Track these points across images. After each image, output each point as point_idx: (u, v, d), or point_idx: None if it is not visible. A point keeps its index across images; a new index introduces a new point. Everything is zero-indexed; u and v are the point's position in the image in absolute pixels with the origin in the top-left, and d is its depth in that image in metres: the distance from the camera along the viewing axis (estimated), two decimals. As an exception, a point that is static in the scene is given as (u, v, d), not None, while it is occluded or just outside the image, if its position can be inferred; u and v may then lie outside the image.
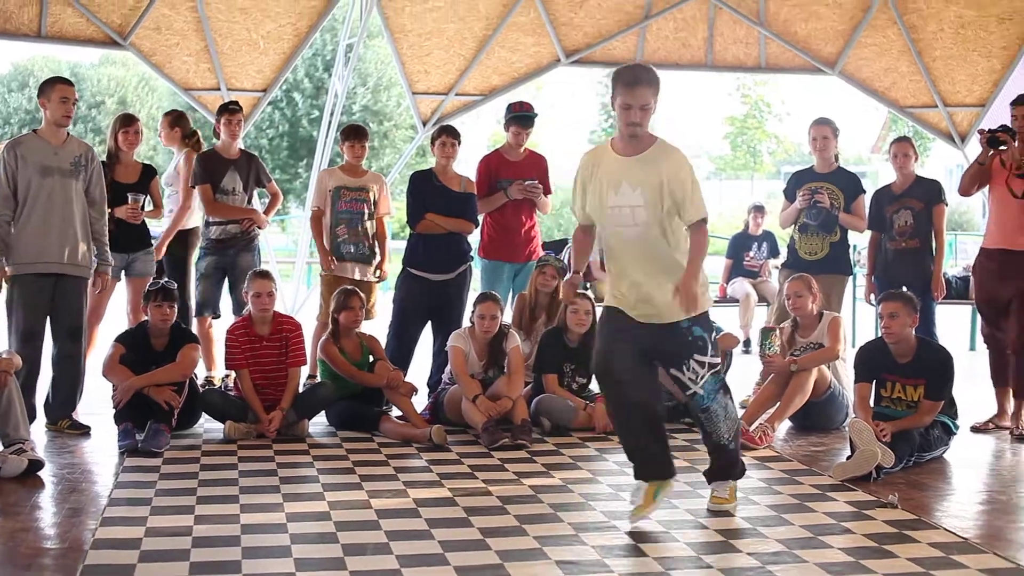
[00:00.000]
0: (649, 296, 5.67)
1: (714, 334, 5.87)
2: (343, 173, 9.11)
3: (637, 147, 5.63)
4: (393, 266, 9.41)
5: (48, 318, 7.73)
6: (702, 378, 5.74)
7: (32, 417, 7.39)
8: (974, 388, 9.06)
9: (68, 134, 7.74)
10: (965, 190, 8.45)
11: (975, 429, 8.21)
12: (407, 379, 8.16)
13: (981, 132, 8.26)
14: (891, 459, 6.66)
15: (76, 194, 7.66)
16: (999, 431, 8.19)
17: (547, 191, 9.20)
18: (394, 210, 11.41)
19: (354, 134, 9.16)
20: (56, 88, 7.61)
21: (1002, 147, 8.11)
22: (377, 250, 9.11)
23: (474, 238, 9.14)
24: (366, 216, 9.02)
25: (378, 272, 9.11)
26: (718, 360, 5.84)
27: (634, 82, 5.53)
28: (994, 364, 8.37)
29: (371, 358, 8.16)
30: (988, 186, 8.31)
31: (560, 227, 31.59)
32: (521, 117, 9.19)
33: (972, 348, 13.11)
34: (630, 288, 5.71)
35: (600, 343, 5.89)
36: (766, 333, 8.25)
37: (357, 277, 8.97)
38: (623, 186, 5.61)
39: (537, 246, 9.34)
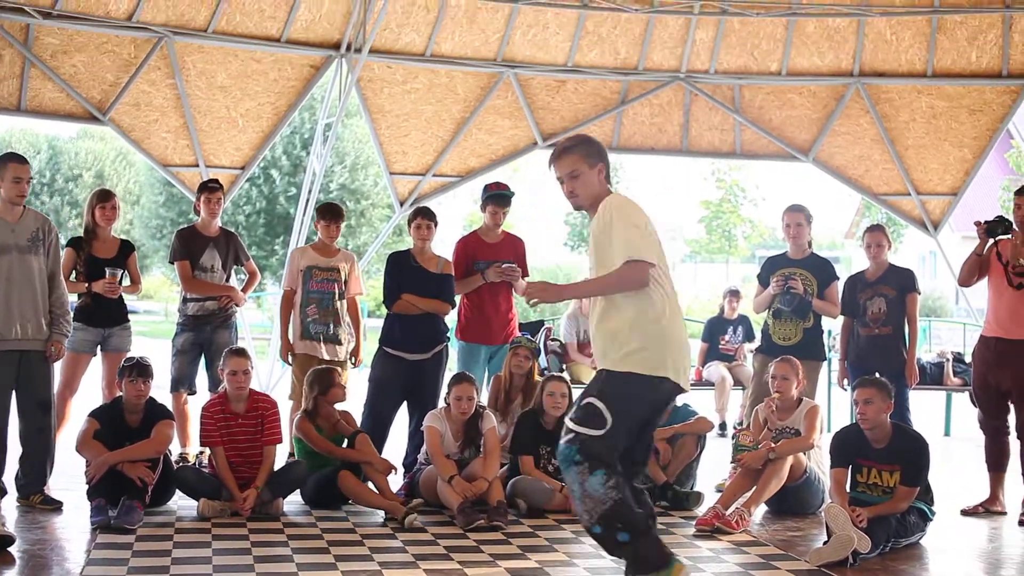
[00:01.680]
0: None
1: (592, 400, 5.49)
2: (315, 252, 9.14)
3: (593, 213, 5.68)
4: (369, 344, 9.41)
5: (15, 394, 7.68)
6: (563, 438, 5.51)
7: (2, 493, 7.33)
8: (949, 474, 9.08)
9: (25, 208, 7.72)
10: (964, 281, 8.52)
11: (965, 513, 8.26)
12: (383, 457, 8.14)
13: (978, 224, 8.31)
14: (867, 545, 6.66)
15: (35, 269, 7.63)
16: (991, 516, 8.23)
17: (524, 273, 9.22)
18: (366, 290, 11.41)
19: (330, 213, 9.20)
20: (9, 168, 7.59)
21: (1003, 236, 8.18)
22: (351, 333, 9.12)
23: (451, 318, 9.17)
24: (337, 296, 9.04)
25: (354, 359, 9.12)
26: (585, 432, 5.43)
27: (551, 158, 5.70)
28: (990, 450, 8.41)
29: (344, 441, 8.15)
30: (988, 276, 8.36)
31: (536, 309, 31.58)
32: (498, 196, 9.24)
33: (947, 434, 13.15)
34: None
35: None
36: (735, 441, 8.36)
37: (326, 357, 8.97)
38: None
39: (514, 328, 9.36)
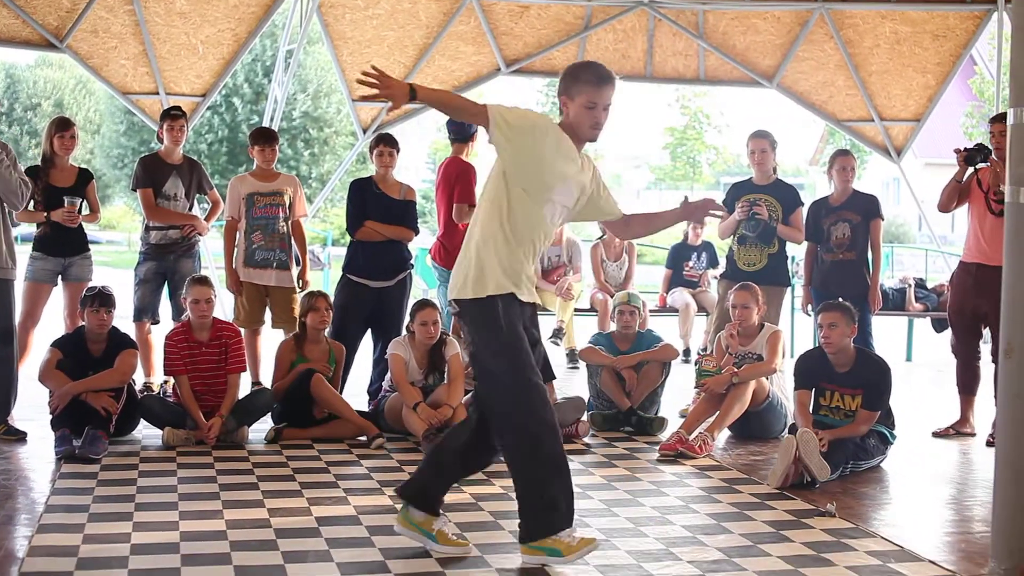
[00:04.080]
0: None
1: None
2: (255, 179, 9.06)
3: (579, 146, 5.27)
4: (333, 272, 9.38)
5: None
6: None
7: (-34, 423, 7.31)
8: (911, 398, 9.17)
9: None
10: (944, 206, 8.54)
11: (936, 435, 8.44)
12: (347, 387, 8.16)
13: (958, 151, 8.33)
14: (827, 473, 6.72)
15: None
16: (961, 437, 8.40)
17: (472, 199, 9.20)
18: (331, 218, 11.35)
19: (263, 138, 9.12)
20: None
21: (981, 164, 8.19)
22: (296, 255, 9.07)
23: (416, 244, 9.12)
24: (281, 220, 8.97)
25: (301, 282, 9.07)
26: None
27: (603, 79, 5.11)
28: (961, 374, 8.53)
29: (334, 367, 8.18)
30: (967, 202, 8.40)
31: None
32: None
33: (908, 359, 13.27)
34: (525, 264, 5.19)
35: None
36: (697, 367, 8.39)
37: (273, 283, 8.94)
38: (570, 182, 5.24)
39: None
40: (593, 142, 5.27)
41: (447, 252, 8.83)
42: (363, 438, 7.70)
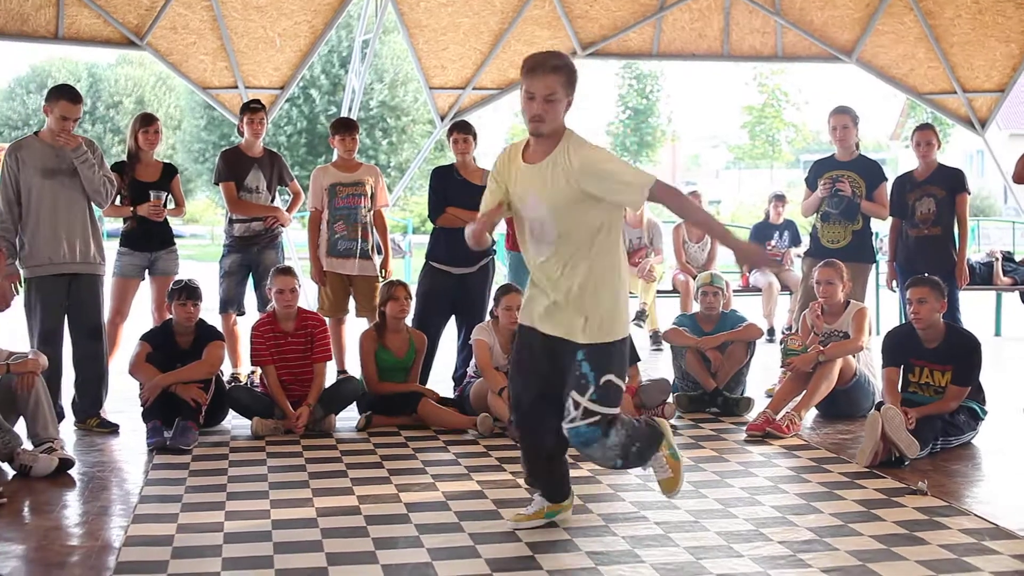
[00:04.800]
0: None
1: (610, 378, 5.05)
2: (336, 169, 9.11)
3: (543, 149, 5.01)
4: (416, 260, 9.42)
5: (66, 319, 7.76)
6: (581, 419, 5.03)
7: (60, 417, 7.43)
8: (1001, 374, 9.04)
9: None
10: (1019, 177, 8.38)
11: None
12: (432, 374, 8.21)
13: None
14: (916, 449, 6.65)
15: (81, 193, 7.69)
16: None
17: None
18: (410, 207, 11.41)
19: (343, 127, 9.17)
20: (60, 105, 7.57)
21: None
22: (379, 245, 9.11)
23: (499, 230, 9.13)
24: (363, 210, 9.02)
25: (383, 271, 9.11)
26: (609, 412, 5.06)
27: (535, 67, 4.88)
28: None
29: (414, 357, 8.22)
30: None
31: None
32: None
33: (997, 334, 13.08)
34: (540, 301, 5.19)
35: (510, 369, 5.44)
36: (783, 346, 8.32)
37: (356, 273, 8.99)
38: (529, 199, 5.07)
39: None
40: (536, 136, 5.00)
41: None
42: (470, 431, 7.68)
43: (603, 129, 50.19)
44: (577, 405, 4.99)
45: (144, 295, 8.99)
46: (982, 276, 12.33)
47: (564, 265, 5.06)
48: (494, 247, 8.89)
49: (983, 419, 7.33)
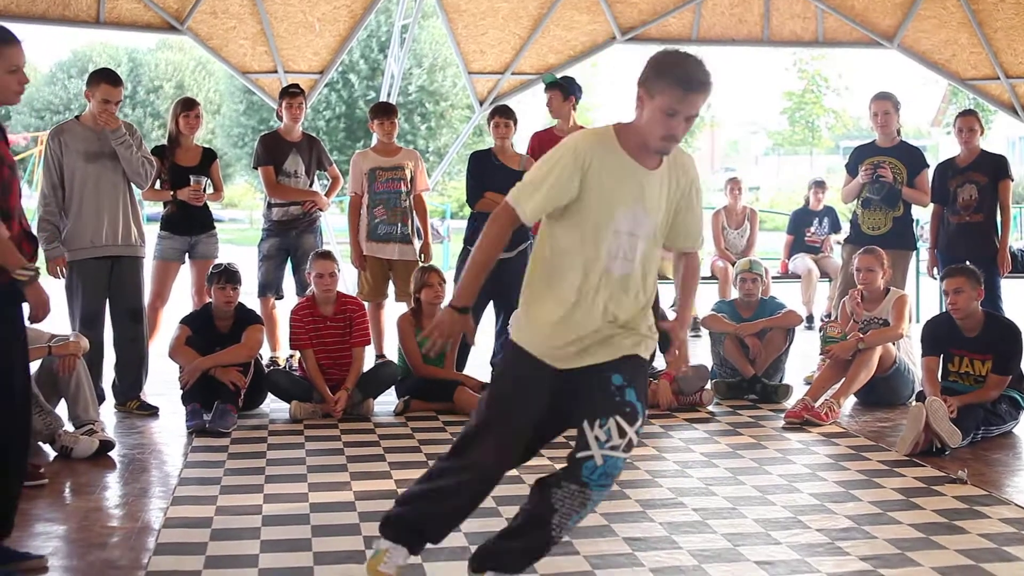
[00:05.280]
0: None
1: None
2: (376, 154, 9.13)
3: (657, 160, 4.10)
4: (454, 245, 9.42)
5: (108, 301, 7.82)
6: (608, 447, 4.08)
7: (100, 399, 7.48)
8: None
9: None
10: None
11: None
12: (468, 356, 8.21)
13: None
14: (959, 439, 6.61)
15: (122, 176, 7.74)
16: None
17: None
18: (448, 191, 11.41)
19: (382, 111, 9.18)
20: (101, 88, 7.63)
21: None
22: (419, 229, 9.12)
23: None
24: (403, 194, 9.03)
25: (423, 255, 9.11)
26: (636, 435, 4.13)
27: (691, 86, 3.92)
28: None
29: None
30: None
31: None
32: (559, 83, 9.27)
33: (1037, 321, 12.96)
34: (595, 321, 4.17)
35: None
36: (822, 333, 8.28)
37: (396, 257, 9.00)
38: (637, 209, 4.08)
39: None
40: (664, 155, 4.09)
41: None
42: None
43: (642, 115, 50.05)
44: (623, 433, 4.08)
45: (184, 279, 9.04)
46: (1024, 264, 12.23)
47: (639, 289, 4.20)
48: (532, 232, 8.87)
49: (1024, 408, 7.28)
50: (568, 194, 4.08)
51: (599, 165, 4.04)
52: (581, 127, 9.33)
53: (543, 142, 9.09)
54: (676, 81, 3.91)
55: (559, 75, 9.95)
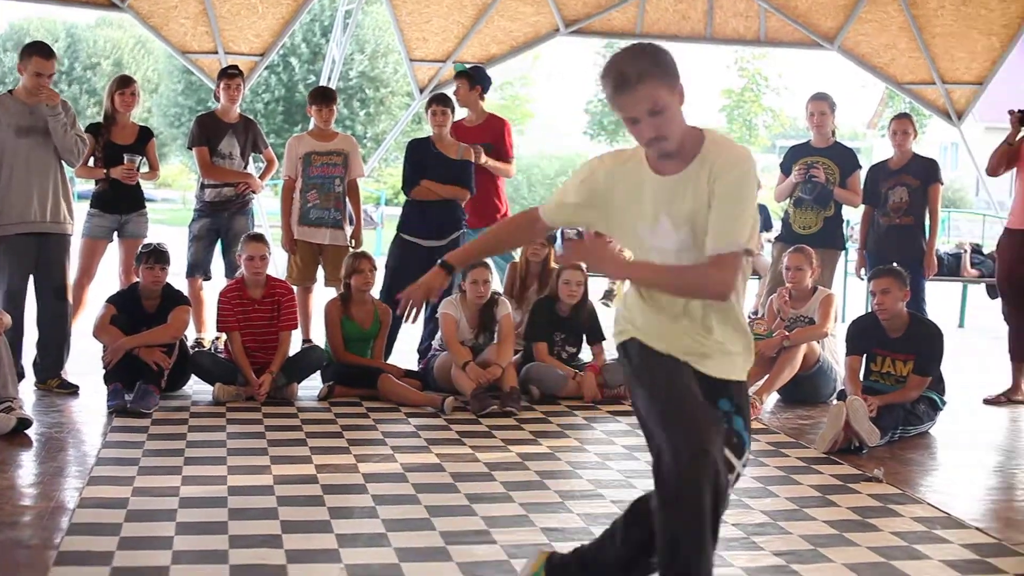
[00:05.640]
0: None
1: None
2: (312, 138, 9.08)
3: (678, 160, 3.65)
4: (387, 232, 9.41)
5: (32, 278, 7.73)
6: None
7: (20, 376, 7.39)
8: (963, 365, 9.10)
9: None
10: (992, 171, 8.43)
11: (987, 402, 8.37)
12: (396, 349, 8.22)
13: (1011, 113, 8.23)
14: (877, 438, 6.68)
15: (53, 153, 7.64)
16: (1012, 404, 8.34)
17: (507, 156, 9.38)
18: (385, 178, 11.39)
19: (320, 97, 9.13)
20: (33, 61, 7.53)
21: None
22: (351, 215, 9.09)
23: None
24: (338, 180, 8.99)
25: (354, 241, 9.07)
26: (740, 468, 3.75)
27: (623, 83, 3.49)
28: (1013, 341, 8.45)
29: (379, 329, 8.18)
30: (1016, 167, 8.30)
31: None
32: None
33: (961, 325, 13.14)
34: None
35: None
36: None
37: (327, 242, 8.97)
38: (661, 221, 3.67)
39: (506, 211, 9.59)
40: (667, 156, 3.63)
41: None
42: (432, 409, 7.63)
43: (582, 108, 50.14)
44: (731, 469, 3.69)
45: (112, 257, 8.95)
46: (950, 267, 12.39)
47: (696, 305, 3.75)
48: (465, 220, 8.87)
49: (942, 409, 7.36)
50: (576, 208, 3.85)
51: (613, 183, 3.74)
52: (496, 116, 9.42)
53: (455, 134, 9.06)
54: (612, 89, 3.53)
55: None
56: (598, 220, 3.84)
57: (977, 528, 5.26)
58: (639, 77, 3.49)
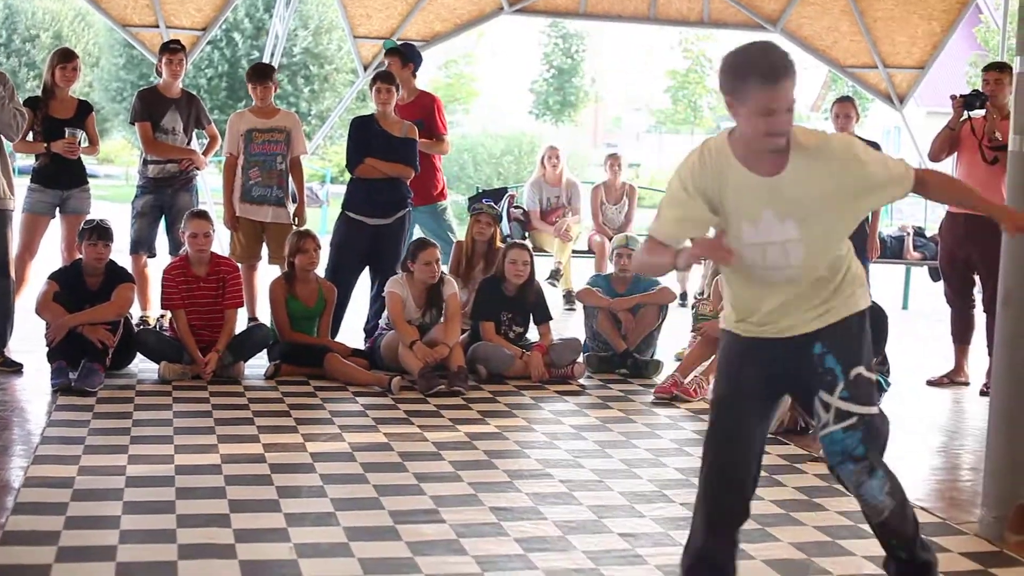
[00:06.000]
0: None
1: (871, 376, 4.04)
2: (253, 115, 9.02)
3: (778, 160, 3.81)
4: (332, 210, 9.37)
5: None
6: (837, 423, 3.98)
7: (-38, 354, 7.32)
8: (907, 346, 9.20)
9: None
10: (935, 156, 8.49)
11: (930, 383, 8.49)
12: (343, 328, 8.20)
13: (954, 98, 8.30)
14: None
15: None
16: (955, 386, 8.46)
17: (439, 131, 9.42)
18: (330, 156, 11.35)
19: (257, 76, 9.09)
20: None
21: (979, 110, 8.16)
22: (294, 193, 9.05)
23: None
24: (280, 158, 8.94)
25: (296, 219, 9.03)
26: (867, 412, 4.01)
27: (773, 74, 3.66)
28: (955, 323, 8.56)
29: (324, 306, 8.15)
30: (957, 152, 8.38)
31: (499, 176, 31.54)
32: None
33: (905, 307, 13.27)
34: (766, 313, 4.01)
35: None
36: (694, 310, 8.41)
37: (270, 220, 8.93)
38: (764, 215, 3.86)
39: (443, 187, 9.72)
40: (775, 152, 3.79)
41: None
42: (379, 388, 7.60)
43: (527, 87, 50.10)
44: (828, 407, 3.98)
45: (54, 233, 8.86)
46: (892, 250, 12.50)
47: (811, 283, 3.97)
48: (410, 198, 8.84)
49: (886, 391, 7.43)
50: (697, 222, 3.94)
51: (720, 186, 3.86)
52: (427, 93, 9.41)
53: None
54: (760, 79, 3.67)
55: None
56: (718, 224, 3.95)
57: (922, 508, 5.32)
58: (787, 70, 3.69)
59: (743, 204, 3.85)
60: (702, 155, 3.91)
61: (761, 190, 3.82)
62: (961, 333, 8.53)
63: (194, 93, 9.53)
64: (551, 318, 8.38)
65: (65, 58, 8.80)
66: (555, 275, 11.36)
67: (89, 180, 8.99)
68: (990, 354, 8.26)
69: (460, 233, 9.51)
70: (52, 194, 8.67)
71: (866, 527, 4.94)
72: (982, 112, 8.14)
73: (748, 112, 3.72)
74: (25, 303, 8.06)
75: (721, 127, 49.07)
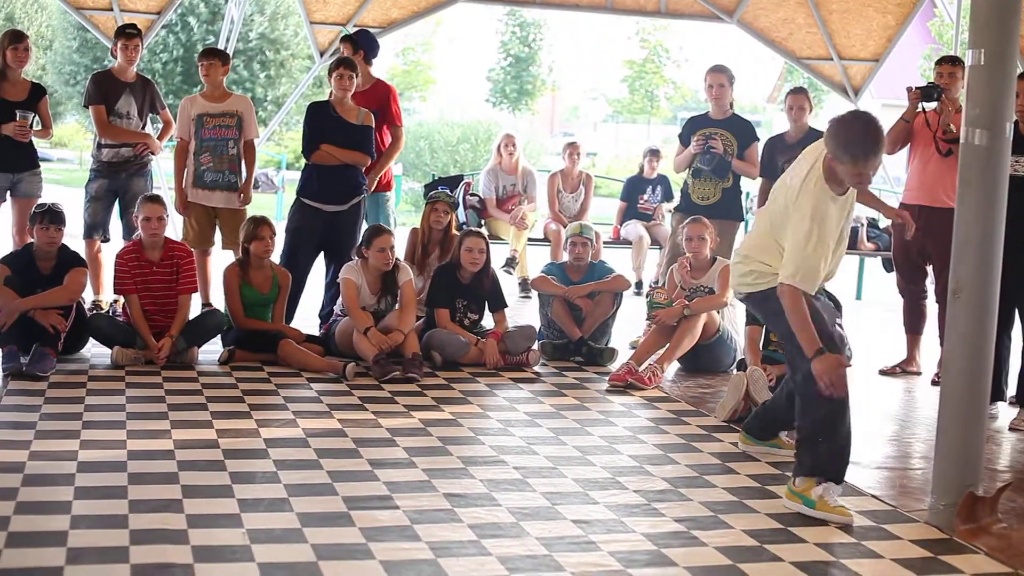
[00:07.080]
0: None
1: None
2: (205, 100, 8.99)
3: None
4: (287, 196, 9.33)
5: None
6: None
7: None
8: (861, 337, 9.25)
9: None
10: (890, 148, 8.51)
11: (883, 373, 8.57)
12: (297, 314, 8.18)
13: (910, 90, 8.34)
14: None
15: None
16: (907, 376, 8.55)
17: (394, 121, 9.36)
18: (285, 142, 11.29)
19: (203, 54, 9.10)
20: None
21: (936, 101, 8.22)
22: (244, 174, 9.01)
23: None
24: (232, 142, 8.90)
25: (241, 196, 8.98)
26: None
27: (867, 158, 5.02)
28: (908, 314, 8.64)
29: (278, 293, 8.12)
30: (911, 144, 8.44)
31: (456, 163, 31.48)
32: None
33: (858, 298, 13.36)
34: None
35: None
36: (649, 299, 8.43)
37: (222, 205, 8.90)
38: (844, 229, 5.47)
39: (390, 177, 9.68)
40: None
41: None
42: (333, 375, 7.58)
43: (483, 75, 50.05)
44: None
45: (5, 217, 8.78)
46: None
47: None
48: (365, 185, 8.81)
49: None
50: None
51: (826, 212, 5.14)
52: (383, 82, 9.37)
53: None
54: (854, 158, 4.99)
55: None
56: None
57: (873, 495, 5.39)
58: (878, 154, 5.06)
59: (838, 223, 5.32)
60: (820, 187, 5.21)
61: (841, 210, 5.31)
62: (913, 323, 8.61)
63: (149, 78, 9.46)
64: (506, 306, 8.38)
65: (16, 39, 8.73)
66: (510, 263, 11.37)
67: (41, 164, 8.91)
68: (942, 344, 8.33)
69: (414, 221, 9.50)
70: (3, 177, 8.60)
71: (818, 516, 5.00)
72: (935, 104, 8.20)
73: (845, 172, 5.04)
74: (-24, 287, 7.98)
75: (678, 117, 49.30)
